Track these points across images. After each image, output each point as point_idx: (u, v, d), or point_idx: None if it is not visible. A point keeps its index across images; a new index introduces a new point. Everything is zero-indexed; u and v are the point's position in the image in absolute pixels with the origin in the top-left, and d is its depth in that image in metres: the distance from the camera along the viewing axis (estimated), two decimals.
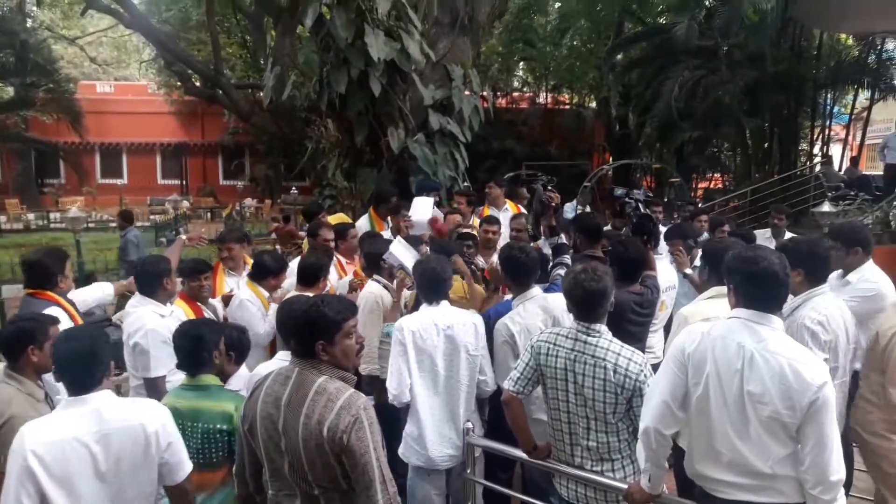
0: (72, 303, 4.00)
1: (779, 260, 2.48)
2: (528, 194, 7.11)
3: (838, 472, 2.33)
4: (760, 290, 2.47)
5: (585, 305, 2.90)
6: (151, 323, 3.78)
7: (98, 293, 4.50)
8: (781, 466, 2.41)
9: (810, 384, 2.31)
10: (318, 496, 2.32)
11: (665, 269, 4.61)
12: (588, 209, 9.96)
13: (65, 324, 3.48)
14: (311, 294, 3.75)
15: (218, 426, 2.84)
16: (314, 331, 2.34)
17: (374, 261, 4.52)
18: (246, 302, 4.34)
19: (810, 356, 2.42)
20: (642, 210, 4.68)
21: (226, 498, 2.71)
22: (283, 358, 3.18)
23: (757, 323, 2.45)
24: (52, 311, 3.55)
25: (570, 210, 9.27)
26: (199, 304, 4.28)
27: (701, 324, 2.74)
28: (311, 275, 4.22)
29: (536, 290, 3.77)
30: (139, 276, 4.04)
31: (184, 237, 5.10)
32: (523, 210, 6.81)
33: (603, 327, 2.93)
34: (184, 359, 2.99)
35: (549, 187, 5.16)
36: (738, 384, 2.43)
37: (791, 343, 2.47)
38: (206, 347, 2.97)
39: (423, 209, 6.24)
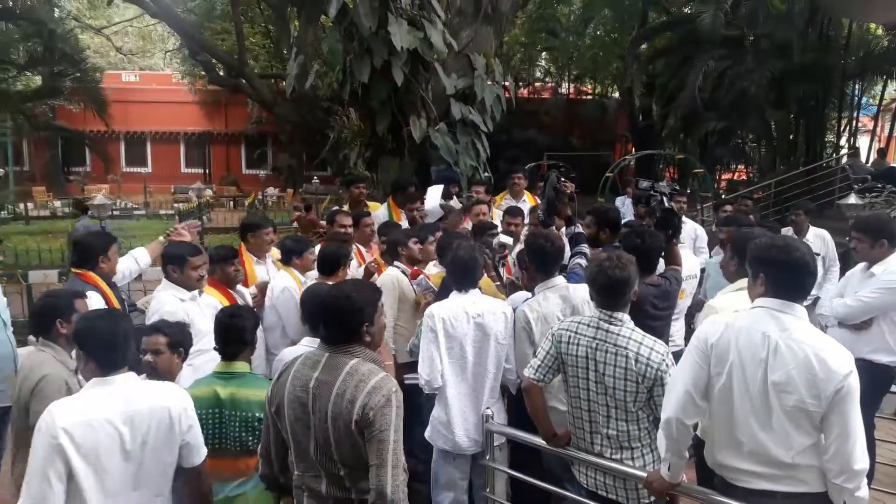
0: (113, 285, 4.08)
1: (808, 250, 2.47)
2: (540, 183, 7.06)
3: (862, 461, 2.31)
4: (791, 279, 2.46)
5: (608, 293, 2.91)
6: (169, 305, 3.81)
7: (131, 264, 4.50)
8: (803, 456, 2.39)
9: (836, 373, 2.30)
10: (343, 477, 2.35)
11: (686, 258, 4.57)
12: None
13: (98, 305, 3.54)
14: (330, 283, 3.74)
15: (256, 414, 2.89)
16: (361, 314, 2.40)
17: (394, 249, 4.67)
18: (290, 291, 4.29)
19: (835, 345, 2.39)
20: (666, 204, 4.63)
21: (260, 482, 2.77)
22: (307, 344, 3.22)
23: (781, 312, 2.44)
24: (89, 293, 3.62)
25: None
26: (230, 290, 4.26)
27: (728, 314, 2.72)
28: (332, 263, 4.24)
29: (560, 279, 3.76)
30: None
31: (161, 238, 4.72)
32: (541, 202, 6.77)
33: (625, 316, 2.94)
34: (230, 341, 3.02)
35: (563, 179, 5.14)
36: (762, 374, 2.41)
37: (816, 332, 2.45)
38: (250, 330, 3.06)
39: (435, 198, 6.27)
